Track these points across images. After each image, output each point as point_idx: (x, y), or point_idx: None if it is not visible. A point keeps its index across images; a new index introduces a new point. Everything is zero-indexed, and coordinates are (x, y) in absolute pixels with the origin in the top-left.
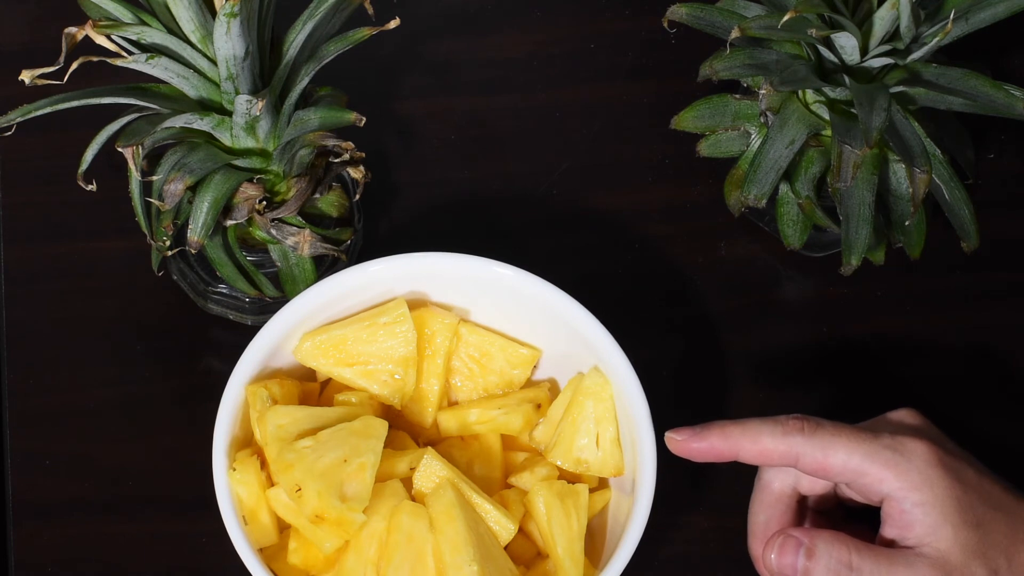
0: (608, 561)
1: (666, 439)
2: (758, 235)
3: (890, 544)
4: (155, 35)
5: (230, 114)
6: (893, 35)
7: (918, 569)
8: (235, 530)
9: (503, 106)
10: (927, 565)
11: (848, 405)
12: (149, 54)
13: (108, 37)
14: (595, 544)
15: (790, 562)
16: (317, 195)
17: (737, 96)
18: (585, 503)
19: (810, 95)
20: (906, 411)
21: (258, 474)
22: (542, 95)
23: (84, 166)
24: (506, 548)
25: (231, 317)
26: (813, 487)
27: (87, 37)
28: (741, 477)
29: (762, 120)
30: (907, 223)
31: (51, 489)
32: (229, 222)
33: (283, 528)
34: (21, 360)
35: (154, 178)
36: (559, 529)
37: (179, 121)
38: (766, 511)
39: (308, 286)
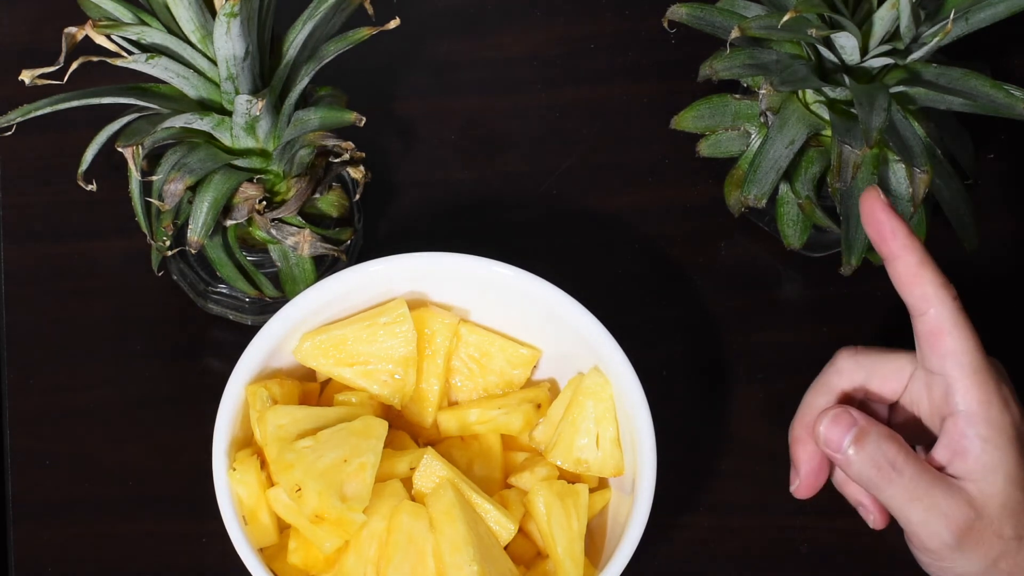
0: (608, 561)
1: (868, 190)
2: (758, 235)
3: (937, 467)
4: (155, 35)
5: (230, 114)
6: (893, 35)
7: (956, 500)
8: (235, 530)
9: (503, 106)
10: (964, 501)
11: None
12: (149, 54)
13: (108, 37)
14: (595, 544)
15: (837, 437)
16: (317, 195)
17: (737, 96)
18: (585, 503)
19: (810, 95)
20: (999, 362)
21: (258, 474)
22: (542, 95)
23: (84, 166)
24: (506, 548)
25: (231, 317)
26: (882, 388)
27: (87, 37)
28: (741, 477)
29: (762, 120)
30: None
31: (51, 489)
32: (229, 222)
33: (283, 528)
34: (21, 360)
35: (154, 178)
36: (559, 529)
37: (179, 121)
38: (825, 396)
39: (308, 286)
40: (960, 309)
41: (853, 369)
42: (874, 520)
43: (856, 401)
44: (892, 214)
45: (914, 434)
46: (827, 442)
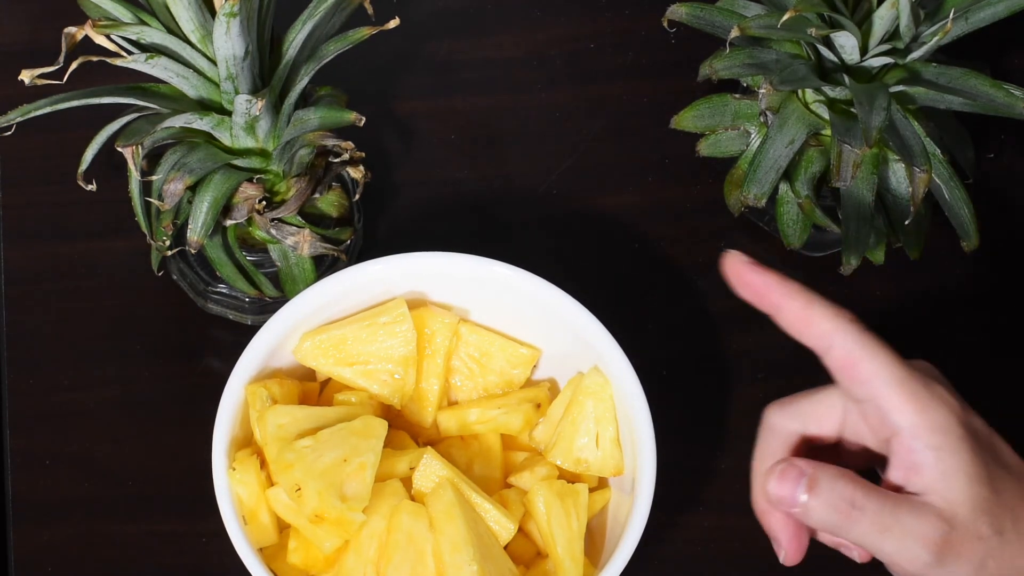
0: (608, 561)
1: (726, 256)
2: (758, 235)
3: (896, 489)
4: (155, 35)
5: (230, 114)
6: (893, 34)
7: (924, 518)
8: (235, 530)
9: (503, 106)
10: (934, 515)
11: None
12: (149, 54)
13: (108, 37)
14: (595, 544)
15: (789, 493)
16: (317, 195)
17: (737, 96)
18: (585, 503)
19: (810, 94)
20: (924, 362)
21: (258, 474)
22: (542, 95)
23: (84, 166)
24: (506, 548)
25: (231, 317)
26: (820, 430)
27: (87, 37)
28: (741, 477)
29: (762, 120)
30: (907, 223)
31: (51, 489)
32: (229, 222)
33: (283, 528)
34: (21, 360)
35: (154, 178)
36: (559, 529)
37: (179, 121)
38: (770, 459)
39: (308, 286)
40: (863, 330)
41: (786, 422)
42: (858, 555)
43: (802, 451)
44: (759, 269)
45: (867, 463)
46: (780, 500)
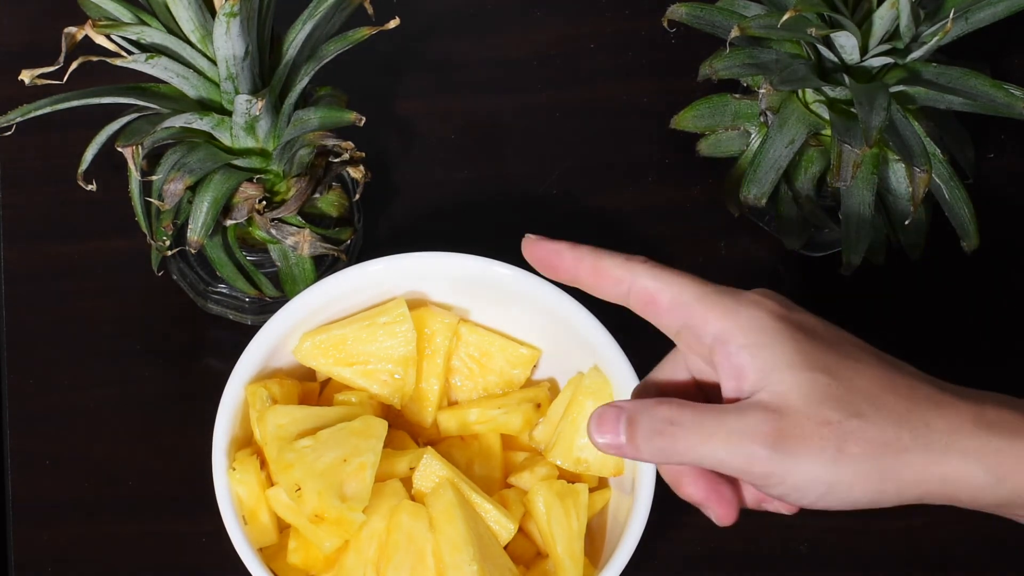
0: (608, 561)
1: (524, 241)
2: (758, 235)
3: (732, 403)
4: (155, 35)
5: (230, 114)
6: (893, 34)
7: (749, 414)
8: (235, 530)
9: (503, 106)
10: (760, 410)
11: None
12: (149, 54)
13: (108, 37)
14: (595, 544)
15: (612, 436)
16: (317, 195)
17: (737, 96)
18: (585, 503)
19: (810, 94)
20: (760, 288)
21: (258, 474)
22: (542, 95)
23: (84, 166)
24: (506, 548)
25: (231, 317)
26: (677, 388)
27: (87, 37)
28: None
29: (762, 120)
30: (907, 223)
31: (51, 489)
32: (229, 222)
33: (283, 528)
34: (21, 360)
35: (154, 178)
36: (559, 529)
37: (179, 121)
38: (605, 263)
39: (308, 286)
40: (656, 265)
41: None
42: (782, 507)
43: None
44: (546, 241)
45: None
46: (604, 443)
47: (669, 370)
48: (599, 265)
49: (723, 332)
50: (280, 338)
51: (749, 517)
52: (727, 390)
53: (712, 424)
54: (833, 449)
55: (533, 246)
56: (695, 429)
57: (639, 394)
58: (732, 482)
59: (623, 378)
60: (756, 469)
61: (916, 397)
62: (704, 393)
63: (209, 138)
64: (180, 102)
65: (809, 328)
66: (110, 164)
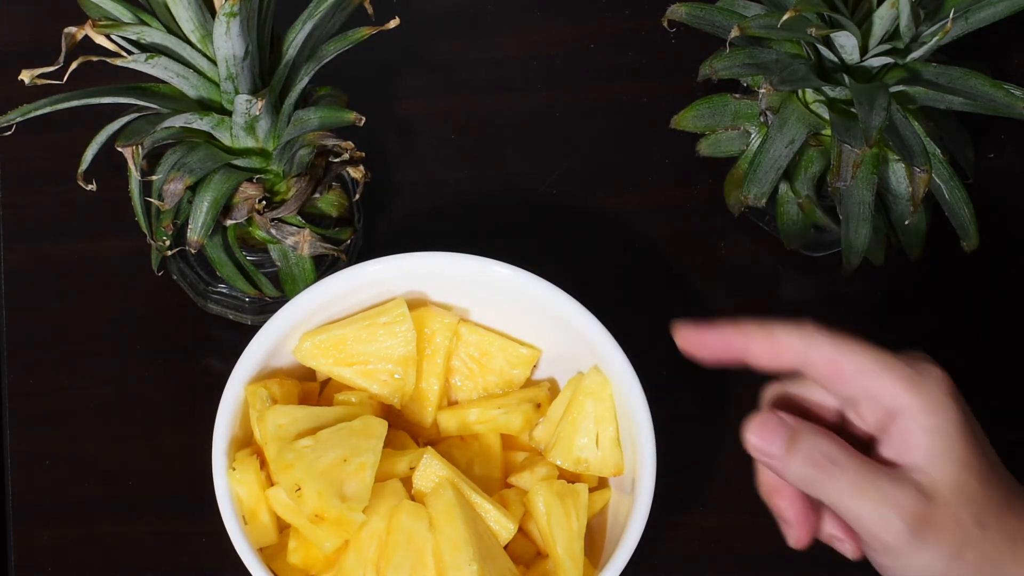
0: (608, 561)
1: (675, 333)
2: (758, 235)
3: (883, 463)
4: (155, 35)
5: (230, 114)
6: (893, 34)
7: (904, 488)
8: (235, 530)
9: (503, 106)
10: (913, 488)
11: None
12: (149, 54)
13: (108, 37)
14: (595, 544)
15: (768, 444)
16: (317, 195)
17: (737, 96)
18: (585, 503)
19: (810, 94)
20: (921, 353)
21: (258, 474)
22: (542, 95)
23: (84, 166)
24: (506, 548)
25: (231, 317)
26: (818, 395)
27: (87, 37)
28: (741, 476)
29: (762, 120)
30: (907, 223)
31: (51, 489)
32: (229, 222)
33: (283, 528)
34: (21, 360)
35: (154, 178)
36: (559, 529)
37: (179, 121)
38: (778, 337)
39: (308, 286)
40: (831, 334)
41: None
42: (851, 549)
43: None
44: (705, 328)
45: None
46: (758, 448)
47: (814, 390)
48: (773, 341)
49: (907, 407)
50: (280, 338)
51: (748, 517)
52: (886, 451)
53: (867, 481)
54: (954, 550)
55: (691, 336)
56: (853, 478)
57: (777, 402)
58: (817, 509)
59: (623, 378)
60: (886, 538)
61: None
62: (845, 430)
63: (209, 138)
64: (180, 102)
65: (974, 426)
66: (110, 164)
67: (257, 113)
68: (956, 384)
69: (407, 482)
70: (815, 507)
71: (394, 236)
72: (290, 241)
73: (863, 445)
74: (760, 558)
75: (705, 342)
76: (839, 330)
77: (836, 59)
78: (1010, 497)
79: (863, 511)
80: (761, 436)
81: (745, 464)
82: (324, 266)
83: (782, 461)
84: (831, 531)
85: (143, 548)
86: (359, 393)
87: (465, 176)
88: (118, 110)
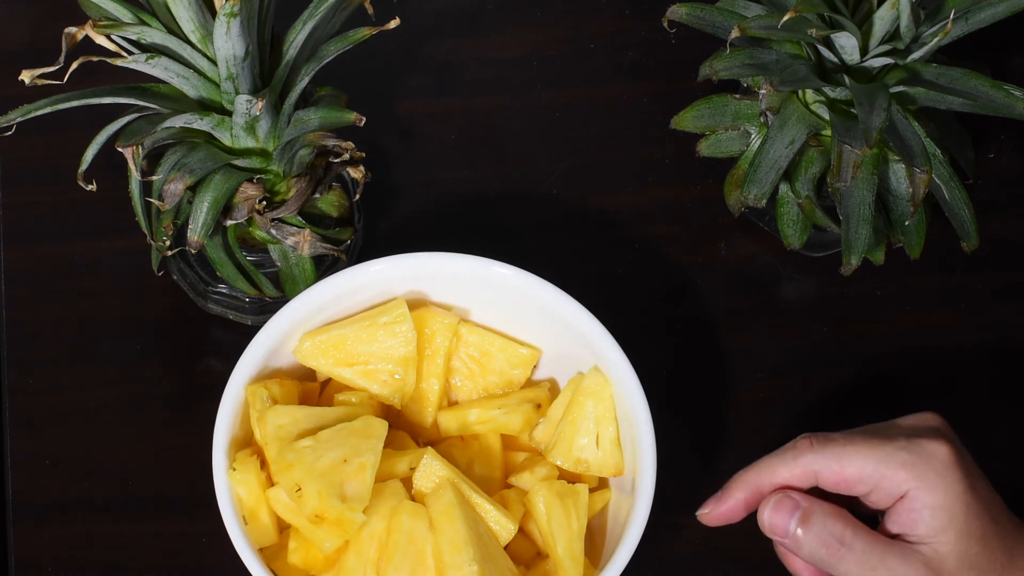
0: (608, 561)
1: (699, 517)
2: (758, 235)
3: (889, 535)
4: (155, 35)
5: (230, 114)
6: (893, 35)
7: (912, 563)
8: (235, 530)
9: (503, 106)
10: (921, 562)
11: (848, 405)
12: (149, 54)
13: (108, 37)
14: (595, 544)
15: (782, 523)
16: (317, 195)
17: (737, 96)
18: (585, 503)
19: (810, 95)
20: (929, 414)
21: (258, 474)
22: (542, 95)
23: (84, 166)
24: (506, 548)
25: (231, 317)
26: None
27: (87, 37)
28: None
29: (762, 120)
30: (907, 223)
31: (51, 489)
32: (229, 222)
33: (283, 528)
34: (21, 360)
35: (154, 178)
36: (559, 529)
37: (179, 121)
38: (781, 475)
39: (308, 286)
40: (822, 440)
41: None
42: None
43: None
44: (721, 502)
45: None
46: (773, 528)
47: (798, 473)
48: (776, 480)
49: (912, 491)
50: (280, 338)
51: (748, 517)
52: (893, 526)
53: (876, 559)
54: None
55: (713, 516)
56: (862, 558)
57: (817, 456)
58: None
59: (623, 378)
60: None
61: None
62: (853, 505)
63: (209, 138)
64: (180, 102)
65: (975, 485)
66: (110, 164)
67: (257, 113)
68: (958, 392)
69: (407, 482)
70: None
71: (394, 236)
72: (290, 241)
73: (870, 518)
74: (760, 559)
75: (726, 514)
76: (832, 435)
77: (836, 60)
78: (1012, 548)
79: None
80: (774, 517)
81: (744, 465)
82: (324, 266)
83: (795, 540)
84: None
85: (143, 548)
86: (359, 393)
87: (465, 176)
88: (118, 110)
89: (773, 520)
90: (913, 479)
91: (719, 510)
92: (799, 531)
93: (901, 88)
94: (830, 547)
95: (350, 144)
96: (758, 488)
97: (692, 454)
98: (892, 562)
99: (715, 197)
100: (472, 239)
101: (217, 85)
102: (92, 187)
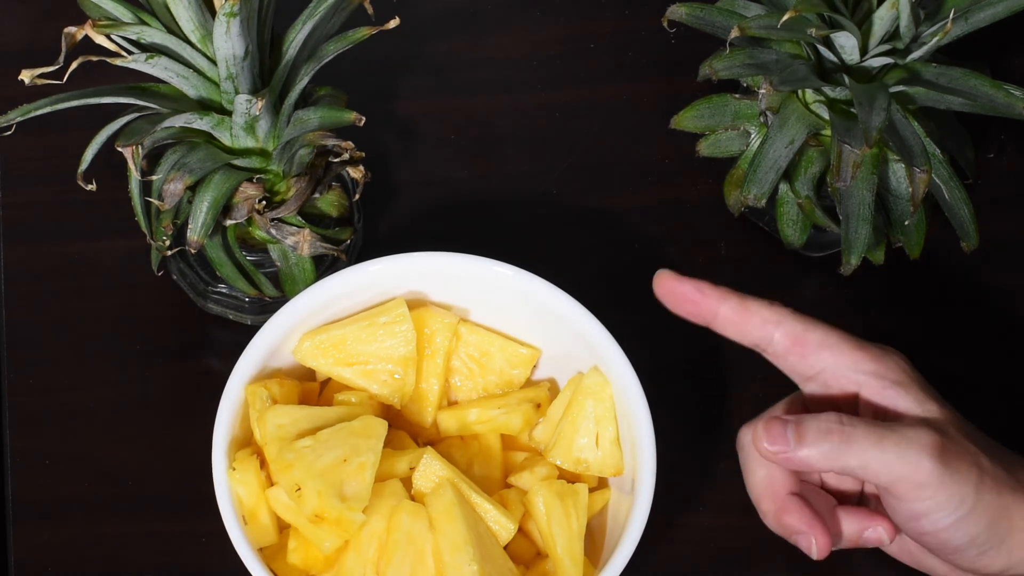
0: (608, 561)
1: (655, 279)
2: (758, 235)
3: None
4: (155, 35)
5: (230, 114)
6: (893, 35)
7: (919, 428)
8: (235, 530)
9: (503, 106)
10: (924, 426)
11: None
12: (149, 54)
13: (108, 37)
14: (595, 544)
15: (782, 443)
16: (317, 195)
17: (737, 96)
18: (585, 503)
19: (810, 95)
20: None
21: (258, 474)
22: (542, 95)
23: (84, 166)
24: (506, 548)
25: (231, 317)
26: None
27: (87, 37)
28: (741, 477)
29: (762, 120)
30: (907, 223)
31: (51, 489)
32: (229, 222)
33: (283, 528)
34: (21, 360)
35: (154, 178)
36: (559, 529)
37: (179, 121)
38: (764, 467)
39: (308, 286)
40: (801, 314)
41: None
42: (885, 531)
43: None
44: (686, 280)
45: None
46: (777, 453)
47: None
48: (745, 306)
49: (876, 370)
50: (280, 338)
51: (748, 517)
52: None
53: (883, 430)
54: (977, 476)
55: (668, 281)
56: (868, 433)
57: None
58: (831, 516)
59: (623, 378)
60: (918, 477)
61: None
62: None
63: (209, 138)
64: (180, 102)
65: (946, 405)
66: (110, 164)
67: (257, 113)
68: (958, 390)
69: (407, 482)
70: (822, 513)
71: (394, 236)
72: (290, 241)
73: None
74: (760, 559)
75: (681, 292)
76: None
77: (836, 59)
78: (995, 454)
79: (889, 457)
80: (771, 439)
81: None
82: (324, 266)
83: (800, 446)
84: (857, 525)
85: (143, 548)
86: (359, 393)
87: (465, 176)
88: (118, 110)
89: (773, 445)
90: (872, 361)
91: (678, 285)
92: (798, 438)
93: (901, 88)
94: (834, 432)
95: (350, 144)
96: (722, 302)
97: (692, 454)
98: (901, 429)
99: (715, 197)
100: (472, 239)
101: (217, 85)
102: (92, 187)
